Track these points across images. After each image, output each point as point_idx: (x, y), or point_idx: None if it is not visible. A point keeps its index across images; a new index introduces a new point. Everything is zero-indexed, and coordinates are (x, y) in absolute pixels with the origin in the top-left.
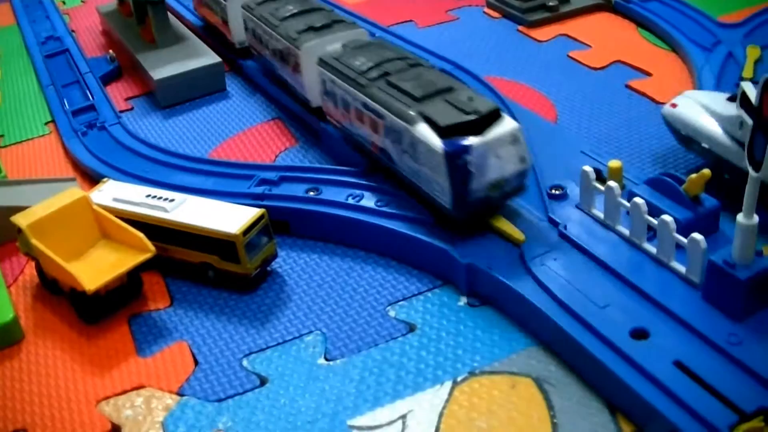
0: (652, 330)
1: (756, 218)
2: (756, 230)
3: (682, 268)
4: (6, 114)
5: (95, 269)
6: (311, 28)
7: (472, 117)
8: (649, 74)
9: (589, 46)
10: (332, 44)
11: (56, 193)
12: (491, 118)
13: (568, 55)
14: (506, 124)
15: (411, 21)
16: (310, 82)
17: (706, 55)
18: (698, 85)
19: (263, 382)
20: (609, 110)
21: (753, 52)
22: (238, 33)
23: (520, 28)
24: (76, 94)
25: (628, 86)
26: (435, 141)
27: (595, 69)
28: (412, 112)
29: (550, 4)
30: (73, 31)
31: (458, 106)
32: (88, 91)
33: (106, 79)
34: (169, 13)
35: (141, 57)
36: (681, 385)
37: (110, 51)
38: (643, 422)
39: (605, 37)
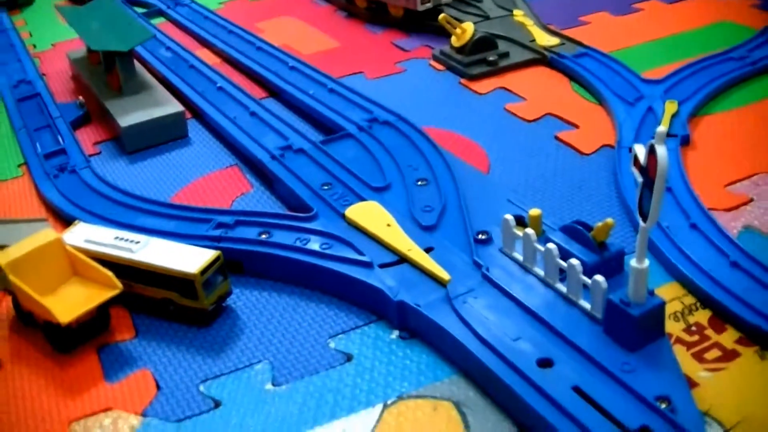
0: (556, 359)
1: (647, 262)
2: (647, 273)
3: (587, 306)
4: None
5: (68, 303)
6: None
7: None
8: (576, 126)
9: (524, 99)
10: None
11: (29, 232)
12: None
13: (504, 108)
14: None
15: (361, 73)
16: None
17: (628, 109)
18: (619, 138)
19: (217, 404)
20: (537, 160)
21: (670, 107)
22: None
23: (462, 81)
24: (48, 138)
25: (556, 137)
26: None
27: (528, 121)
28: None
29: (490, 59)
30: (43, 74)
31: None
32: (59, 136)
33: (76, 124)
34: (135, 62)
35: (108, 104)
36: (577, 407)
37: (80, 97)
38: None
39: (539, 91)
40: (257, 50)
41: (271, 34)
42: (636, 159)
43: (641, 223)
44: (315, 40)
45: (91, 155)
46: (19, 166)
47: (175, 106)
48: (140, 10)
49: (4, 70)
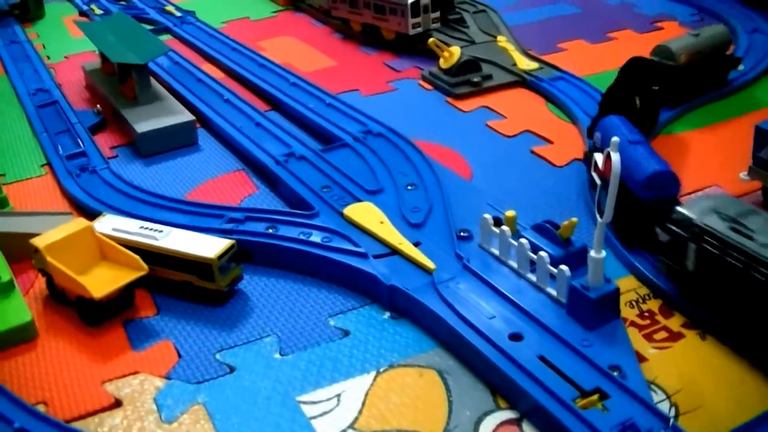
0: (525, 335)
1: (603, 253)
2: (603, 262)
3: (553, 292)
4: (4, 155)
5: (99, 282)
6: None
7: None
8: (551, 142)
9: (505, 117)
10: None
11: (56, 224)
12: None
13: (486, 124)
14: None
15: (357, 90)
16: None
17: None
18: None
19: (232, 370)
20: (515, 171)
21: None
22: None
23: (449, 99)
24: (68, 142)
25: (532, 151)
26: None
27: (507, 136)
28: None
29: (475, 80)
30: (59, 84)
31: None
32: (78, 139)
33: (93, 130)
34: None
35: (124, 112)
36: (542, 372)
37: (97, 105)
38: (515, 399)
39: (518, 110)
40: (260, 67)
41: (273, 52)
42: (595, 164)
43: (599, 218)
44: (313, 58)
45: (109, 158)
46: (42, 166)
47: (186, 115)
48: (148, 27)
49: (22, 78)
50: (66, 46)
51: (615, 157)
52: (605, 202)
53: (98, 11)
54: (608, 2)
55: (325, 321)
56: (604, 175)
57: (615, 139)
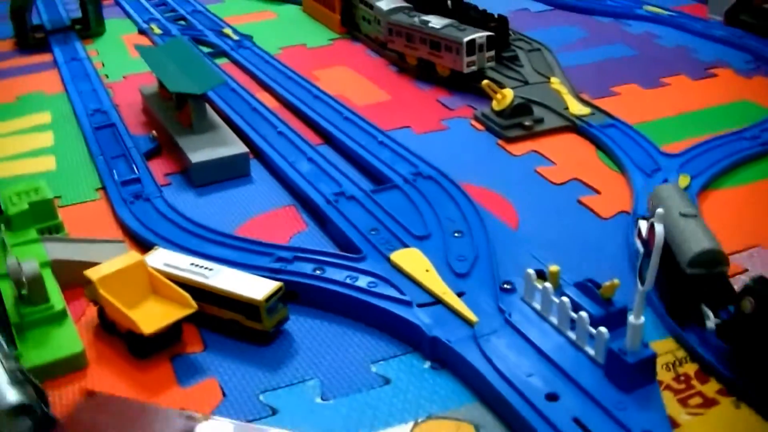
0: (562, 395)
1: (642, 319)
2: (642, 328)
3: (592, 351)
4: (61, 177)
5: (149, 317)
6: None
7: None
8: (598, 192)
9: (554, 163)
10: None
11: (109, 252)
12: None
13: (535, 170)
14: None
15: (409, 127)
16: None
17: (645, 179)
18: (635, 207)
19: (274, 412)
20: (561, 220)
21: (683, 181)
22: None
23: (499, 141)
24: (123, 166)
25: (579, 201)
26: None
27: (556, 184)
28: None
29: (526, 123)
30: (116, 105)
31: None
32: (133, 165)
33: (148, 155)
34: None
35: (179, 140)
36: None
37: (153, 132)
38: None
39: (568, 156)
40: (314, 98)
41: (327, 82)
42: (639, 232)
43: (639, 286)
44: (368, 91)
45: (162, 185)
46: (97, 190)
47: (240, 147)
48: (205, 49)
49: (81, 97)
50: (124, 66)
51: (659, 229)
52: (647, 270)
53: (158, 31)
54: (665, 45)
55: (367, 367)
56: (648, 244)
57: (660, 211)
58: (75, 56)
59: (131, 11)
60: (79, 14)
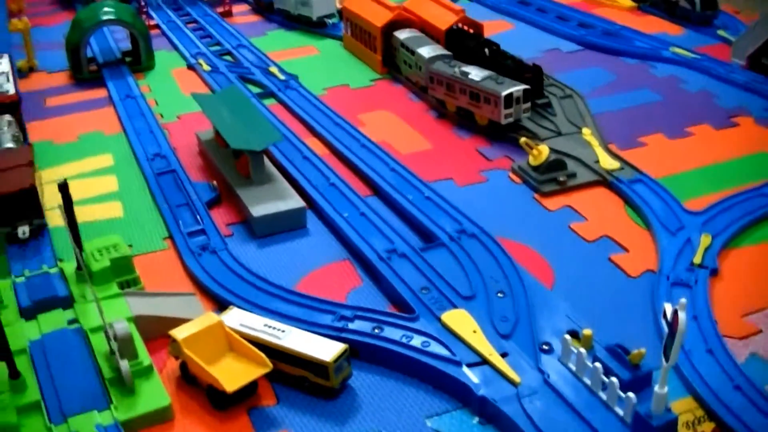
0: None
1: (666, 389)
2: (666, 396)
3: (621, 412)
4: (128, 225)
5: (228, 374)
6: None
7: None
8: (627, 250)
9: (586, 219)
10: None
11: (182, 305)
12: None
13: (569, 226)
14: None
15: (451, 179)
16: None
17: (669, 238)
18: (660, 266)
19: None
20: (593, 279)
21: (705, 240)
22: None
23: (536, 195)
24: (187, 216)
25: (610, 259)
26: None
27: (588, 241)
28: None
29: (561, 179)
30: (174, 147)
31: None
32: (197, 215)
33: (209, 204)
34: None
35: (239, 191)
36: None
37: (213, 181)
38: None
39: (599, 212)
40: (361, 147)
41: (371, 128)
42: (665, 313)
43: (664, 362)
44: (410, 139)
45: (225, 236)
46: (164, 239)
47: (298, 201)
48: (254, 89)
49: (140, 139)
50: (177, 104)
51: (682, 315)
52: (671, 349)
53: (206, 67)
54: (689, 90)
55: (423, 422)
56: (672, 326)
57: (683, 300)
58: (129, 93)
59: (178, 43)
60: (127, 44)
